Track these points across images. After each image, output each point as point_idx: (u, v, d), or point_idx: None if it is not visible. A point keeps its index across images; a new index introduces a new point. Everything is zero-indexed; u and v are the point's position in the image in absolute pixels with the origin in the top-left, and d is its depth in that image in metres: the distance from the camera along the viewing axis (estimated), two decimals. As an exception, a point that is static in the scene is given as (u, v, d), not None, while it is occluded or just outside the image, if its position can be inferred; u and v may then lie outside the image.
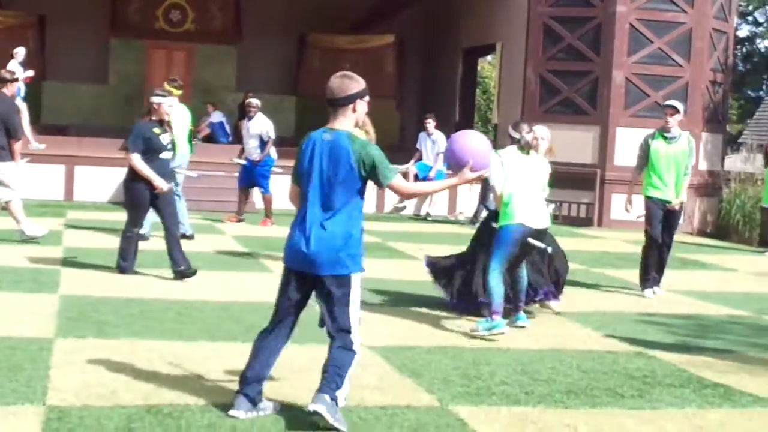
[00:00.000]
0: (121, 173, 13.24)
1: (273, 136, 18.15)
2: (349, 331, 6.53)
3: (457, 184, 7.35)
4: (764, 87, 56.81)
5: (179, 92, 15.64)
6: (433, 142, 22.32)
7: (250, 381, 6.63)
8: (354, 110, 6.51)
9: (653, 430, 6.93)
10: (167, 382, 7.33)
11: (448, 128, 22.47)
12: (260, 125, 18.11)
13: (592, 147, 22.84)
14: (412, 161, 22.37)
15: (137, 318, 9.71)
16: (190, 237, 15.38)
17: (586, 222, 22.50)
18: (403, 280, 12.83)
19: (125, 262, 12.21)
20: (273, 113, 25.83)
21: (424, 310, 11.00)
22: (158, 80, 25.42)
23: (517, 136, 10.36)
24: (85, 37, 29.11)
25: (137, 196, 12.11)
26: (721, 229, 23.12)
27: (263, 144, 18.12)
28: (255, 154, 18.19)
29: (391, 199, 22.17)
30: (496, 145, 26.88)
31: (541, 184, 10.32)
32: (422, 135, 22.76)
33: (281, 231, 17.41)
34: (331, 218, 6.46)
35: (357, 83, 6.52)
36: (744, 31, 59.40)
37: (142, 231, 15.95)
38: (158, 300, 10.67)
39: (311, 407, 6.33)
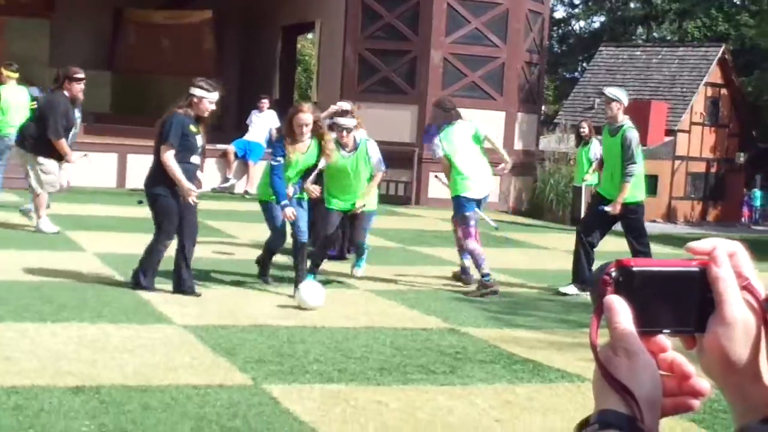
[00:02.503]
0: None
1: None
2: None
3: None
4: (579, 68, 58.14)
5: (16, 75, 16.03)
6: (263, 121, 22.44)
7: None
8: None
9: (464, 405, 7.05)
10: (-28, 364, 7.14)
11: (268, 106, 22.74)
12: None
13: (410, 126, 23.03)
14: (246, 138, 22.49)
15: (-58, 299, 9.42)
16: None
17: (404, 200, 22.65)
18: (218, 259, 12.73)
19: (145, 278, 10.36)
20: (88, 88, 25.26)
21: (239, 289, 10.98)
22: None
23: None
24: None
25: (166, 204, 10.24)
26: (536, 207, 23.64)
27: None
28: None
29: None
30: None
31: None
32: (254, 112, 22.78)
33: (89, 209, 17.08)
34: None
35: None
36: (560, 13, 60.87)
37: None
38: (-35, 280, 10.37)
39: None
